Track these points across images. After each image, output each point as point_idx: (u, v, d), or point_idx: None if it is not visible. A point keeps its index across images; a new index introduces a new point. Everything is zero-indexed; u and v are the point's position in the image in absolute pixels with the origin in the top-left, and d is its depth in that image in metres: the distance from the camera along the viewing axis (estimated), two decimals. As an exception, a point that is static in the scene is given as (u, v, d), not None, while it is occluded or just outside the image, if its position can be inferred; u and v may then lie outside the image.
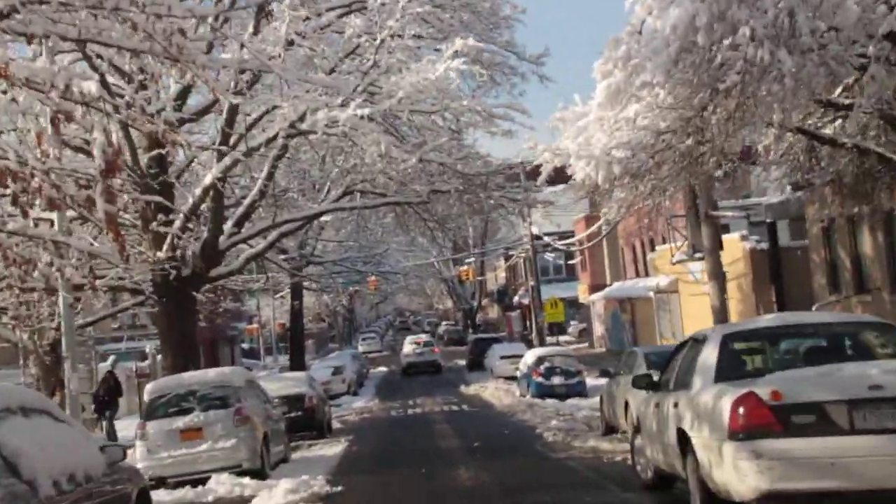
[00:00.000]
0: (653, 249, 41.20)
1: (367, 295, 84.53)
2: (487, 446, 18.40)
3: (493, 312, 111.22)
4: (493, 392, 34.66)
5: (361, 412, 32.18)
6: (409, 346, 51.76)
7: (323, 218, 39.77)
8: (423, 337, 55.43)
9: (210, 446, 15.64)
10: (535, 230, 42.84)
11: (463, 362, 54.27)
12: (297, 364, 43.76)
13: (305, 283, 49.82)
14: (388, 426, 26.42)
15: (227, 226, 21.50)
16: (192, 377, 17.27)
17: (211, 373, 18.02)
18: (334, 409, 33.52)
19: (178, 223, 19.53)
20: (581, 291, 56.20)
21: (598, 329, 54.34)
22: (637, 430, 11.91)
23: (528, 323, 79.67)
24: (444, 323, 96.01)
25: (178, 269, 20.28)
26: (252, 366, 61.86)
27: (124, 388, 27.51)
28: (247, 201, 21.59)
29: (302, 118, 18.28)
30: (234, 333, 52.58)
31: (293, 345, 45.97)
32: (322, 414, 24.12)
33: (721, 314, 21.81)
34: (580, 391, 30.14)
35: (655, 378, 11.52)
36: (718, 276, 22.24)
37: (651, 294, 40.53)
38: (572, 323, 72.25)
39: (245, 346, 67.67)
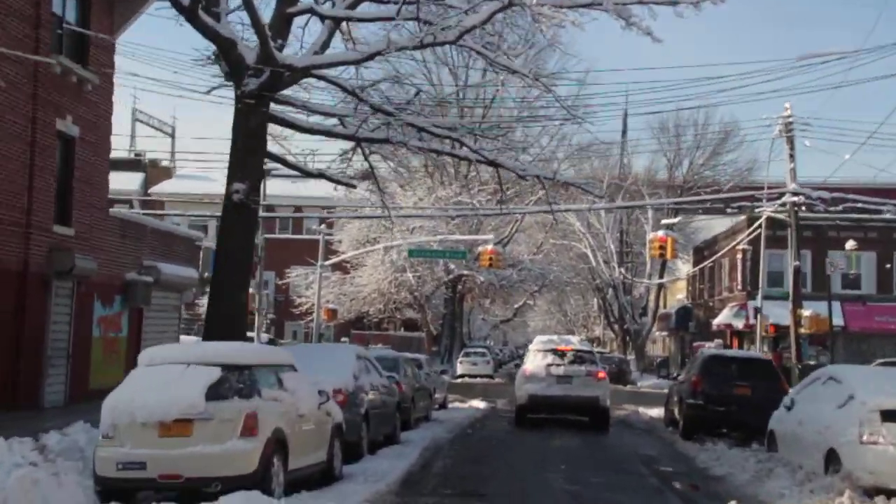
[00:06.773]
0: None
1: (482, 291, 54.09)
2: None
3: (659, 347, 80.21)
4: None
5: None
6: (538, 361, 22.14)
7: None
8: (574, 342, 24.49)
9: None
10: None
11: (647, 411, 26.60)
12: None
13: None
14: None
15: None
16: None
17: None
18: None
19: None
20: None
21: None
22: None
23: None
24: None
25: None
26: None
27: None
28: None
29: None
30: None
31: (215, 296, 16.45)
32: None
33: None
34: None
35: None
36: None
37: None
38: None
39: (265, 335, 39.64)
